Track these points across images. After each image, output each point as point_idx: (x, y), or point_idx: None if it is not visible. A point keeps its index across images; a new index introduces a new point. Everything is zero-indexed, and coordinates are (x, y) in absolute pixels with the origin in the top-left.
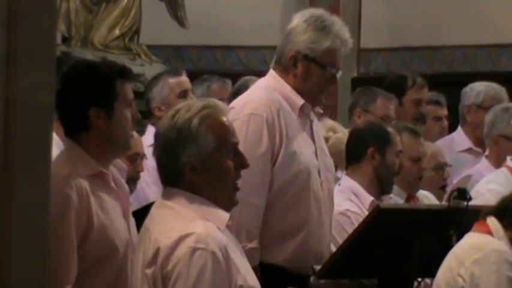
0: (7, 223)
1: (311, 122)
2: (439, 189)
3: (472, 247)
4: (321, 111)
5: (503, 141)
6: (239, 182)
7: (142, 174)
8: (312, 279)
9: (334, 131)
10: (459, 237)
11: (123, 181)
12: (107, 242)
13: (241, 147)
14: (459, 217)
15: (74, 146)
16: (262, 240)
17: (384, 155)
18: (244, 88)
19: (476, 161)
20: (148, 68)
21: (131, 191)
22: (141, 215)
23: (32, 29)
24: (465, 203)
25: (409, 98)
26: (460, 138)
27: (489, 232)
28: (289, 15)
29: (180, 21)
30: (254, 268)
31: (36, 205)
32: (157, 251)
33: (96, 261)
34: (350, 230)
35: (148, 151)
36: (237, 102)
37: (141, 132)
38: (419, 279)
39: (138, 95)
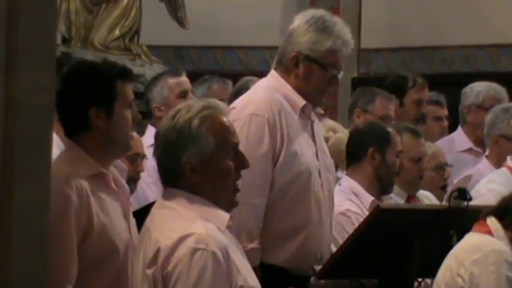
0: (7, 223)
1: (312, 122)
2: (439, 189)
3: (471, 247)
4: (322, 112)
5: (504, 141)
6: (240, 183)
7: (142, 175)
8: (312, 279)
9: (334, 131)
10: (459, 237)
11: (123, 181)
12: (107, 242)
13: (242, 148)
14: (459, 217)
15: (74, 147)
16: (263, 240)
17: (384, 155)
18: (244, 88)
19: (476, 161)
20: (148, 69)
21: (131, 191)
22: (141, 215)
23: (32, 29)
24: (465, 203)
25: (409, 98)
26: (460, 138)
27: (489, 232)
28: (290, 16)
29: (180, 22)
30: (254, 268)
31: (36, 205)
32: (157, 252)
33: (97, 261)
34: (350, 230)
35: (148, 151)
36: (238, 102)
37: (141, 132)
38: (420, 280)
39: (138, 95)
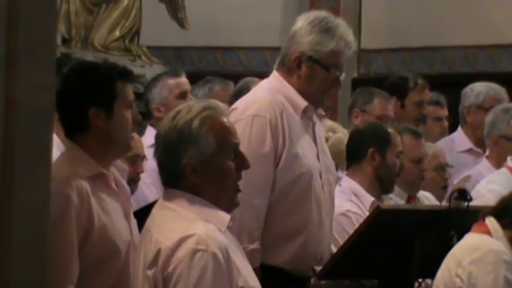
0: (7, 223)
1: (313, 124)
2: (440, 189)
3: (470, 247)
4: (323, 113)
5: (504, 142)
6: (241, 183)
7: (141, 176)
8: (312, 280)
9: (334, 131)
10: (460, 237)
11: (124, 182)
12: (108, 242)
13: (244, 149)
14: (460, 218)
15: (75, 147)
16: (263, 241)
17: (384, 156)
18: (245, 89)
19: (476, 161)
20: (148, 69)
21: (132, 191)
22: (142, 215)
23: (32, 29)
24: (466, 203)
25: (411, 99)
26: (460, 138)
27: (488, 232)
28: (290, 16)
29: (181, 23)
30: (255, 269)
31: (36, 205)
32: (158, 253)
33: (98, 262)
34: (351, 231)
35: (148, 152)
36: (240, 103)
37: (141, 133)
38: (420, 280)
39: (138, 96)
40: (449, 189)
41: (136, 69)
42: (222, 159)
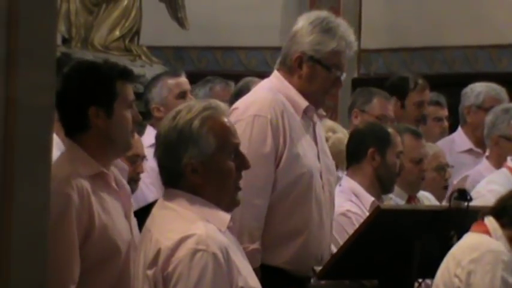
0: (7, 223)
1: (314, 124)
2: (441, 189)
3: (468, 247)
4: (324, 113)
5: (504, 142)
6: (241, 183)
7: (141, 175)
8: (312, 280)
9: (334, 131)
10: (460, 238)
11: (124, 181)
12: (109, 242)
13: (245, 149)
14: (460, 218)
15: (75, 146)
16: (264, 241)
17: (384, 156)
18: (245, 89)
19: (476, 161)
20: (148, 69)
21: (132, 191)
22: (142, 215)
23: (32, 29)
24: (466, 203)
25: (411, 100)
26: (460, 139)
27: (487, 232)
28: (290, 16)
29: (181, 22)
30: (255, 270)
31: (36, 205)
32: (158, 253)
33: (98, 261)
34: (351, 231)
35: (148, 152)
36: (241, 103)
37: (140, 132)
38: (420, 280)
39: (138, 96)
40: (450, 190)
41: (136, 69)
42: (223, 159)
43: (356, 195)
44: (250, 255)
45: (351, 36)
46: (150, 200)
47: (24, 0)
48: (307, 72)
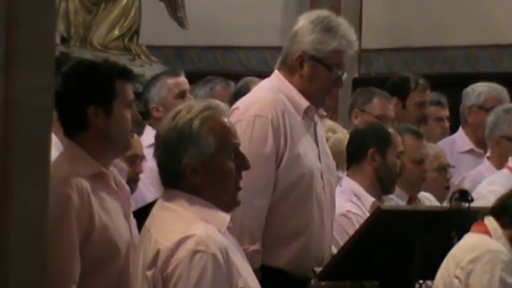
0: (6, 223)
1: (315, 124)
2: (442, 189)
3: (468, 248)
4: (325, 113)
5: (505, 142)
6: (242, 183)
7: (140, 176)
8: (312, 281)
9: (334, 132)
10: (461, 239)
11: (123, 181)
12: (109, 242)
13: (245, 149)
14: (461, 219)
15: (74, 146)
16: (264, 242)
17: (385, 156)
18: (245, 89)
19: (477, 162)
20: (148, 69)
21: (132, 191)
22: (141, 215)
23: (31, 29)
24: (467, 204)
25: (412, 100)
26: (461, 139)
27: (487, 232)
28: (290, 16)
29: (180, 22)
30: (255, 271)
31: (35, 205)
32: (157, 253)
33: (98, 262)
34: (351, 232)
35: (146, 152)
36: (242, 103)
37: (139, 132)
38: (421, 281)
39: (137, 95)
40: (451, 190)
41: (135, 69)
42: (223, 160)
43: (356, 196)
44: (250, 256)
45: (352, 36)
46: (149, 200)
47: (24, 0)
48: (308, 72)
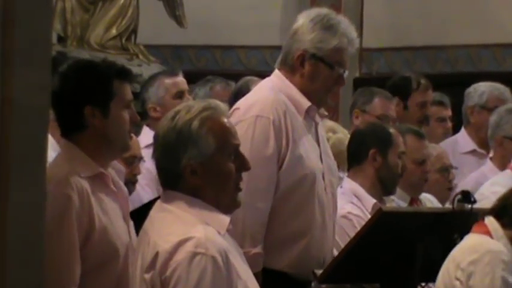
0: (3, 223)
1: (316, 124)
2: (445, 190)
3: (468, 249)
4: (326, 113)
5: (508, 143)
6: (243, 184)
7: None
8: (313, 284)
9: (334, 132)
10: None
11: (121, 183)
12: (109, 245)
13: (247, 150)
14: (463, 220)
15: (72, 147)
16: (266, 245)
17: (386, 157)
18: (245, 89)
19: (480, 162)
20: (146, 69)
21: (130, 192)
22: (137, 216)
23: (27, 28)
24: (469, 206)
25: (414, 101)
26: (463, 139)
27: (488, 232)
28: (290, 15)
29: (179, 21)
30: (257, 274)
31: (32, 205)
32: (156, 256)
33: (98, 264)
34: (352, 234)
35: (144, 153)
36: (242, 103)
37: (137, 133)
38: (423, 284)
39: (135, 95)
40: (454, 191)
41: (133, 68)
42: (222, 161)
43: (357, 197)
44: (252, 260)
45: (353, 33)
46: (146, 201)
47: None
48: (309, 71)
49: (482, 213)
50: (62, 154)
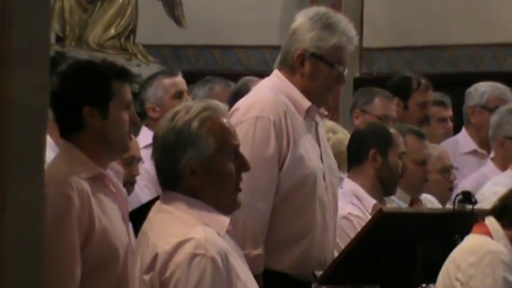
0: (2, 224)
1: (316, 124)
2: (446, 191)
3: (468, 250)
4: (326, 113)
5: (509, 143)
6: (244, 185)
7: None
8: (313, 285)
9: (334, 132)
10: None
11: (120, 184)
12: (109, 246)
13: (247, 151)
14: (464, 221)
15: (71, 147)
16: (266, 246)
17: (386, 157)
18: (244, 89)
19: (481, 163)
20: (145, 69)
21: (128, 193)
22: (135, 216)
23: (26, 28)
24: (470, 206)
25: (414, 101)
26: (464, 140)
27: (488, 233)
28: (290, 14)
29: (178, 20)
30: (258, 276)
31: (30, 206)
32: (155, 257)
33: (98, 265)
34: (352, 234)
35: (142, 153)
36: (242, 103)
37: (136, 133)
38: (424, 285)
39: (133, 95)
40: (455, 192)
41: (132, 69)
42: (222, 161)
43: (357, 198)
44: (253, 261)
45: (352, 31)
46: (144, 201)
47: None
48: (309, 70)
49: (482, 214)
50: (61, 154)
